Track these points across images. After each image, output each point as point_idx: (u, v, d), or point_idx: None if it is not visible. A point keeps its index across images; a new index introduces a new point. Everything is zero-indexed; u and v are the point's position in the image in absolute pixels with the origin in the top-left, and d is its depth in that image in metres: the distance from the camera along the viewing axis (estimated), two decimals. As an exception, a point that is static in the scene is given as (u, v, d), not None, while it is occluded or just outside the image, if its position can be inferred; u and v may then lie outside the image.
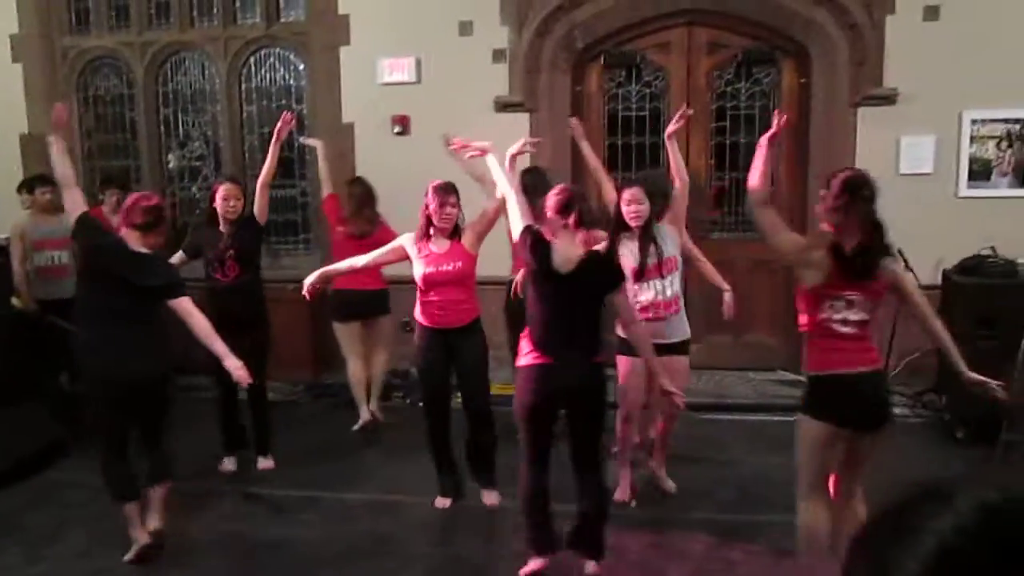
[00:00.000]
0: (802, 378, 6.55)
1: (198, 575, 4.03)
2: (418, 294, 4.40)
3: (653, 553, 4.08)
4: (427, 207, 4.33)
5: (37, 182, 6.17)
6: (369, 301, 5.72)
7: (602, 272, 3.60)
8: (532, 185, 5.54)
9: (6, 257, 6.13)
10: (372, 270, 4.96)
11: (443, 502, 4.62)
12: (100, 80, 7.67)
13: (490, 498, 4.58)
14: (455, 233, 4.38)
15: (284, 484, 4.99)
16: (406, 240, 4.41)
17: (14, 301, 5.94)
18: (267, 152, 5.23)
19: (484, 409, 4.50)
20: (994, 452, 5.01)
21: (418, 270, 4.31)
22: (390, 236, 5.42)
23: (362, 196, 5.78)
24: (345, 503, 4.73)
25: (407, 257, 4.38)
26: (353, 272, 4.66)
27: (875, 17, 6.28)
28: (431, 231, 4.33)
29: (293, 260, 7.38)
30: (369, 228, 5.63)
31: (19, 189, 6.33)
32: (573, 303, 3.51)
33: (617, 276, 3.67)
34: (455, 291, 4.32)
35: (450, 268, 4.29)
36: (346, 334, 5.84)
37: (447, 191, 4.34)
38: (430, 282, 4.30)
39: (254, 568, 4.08)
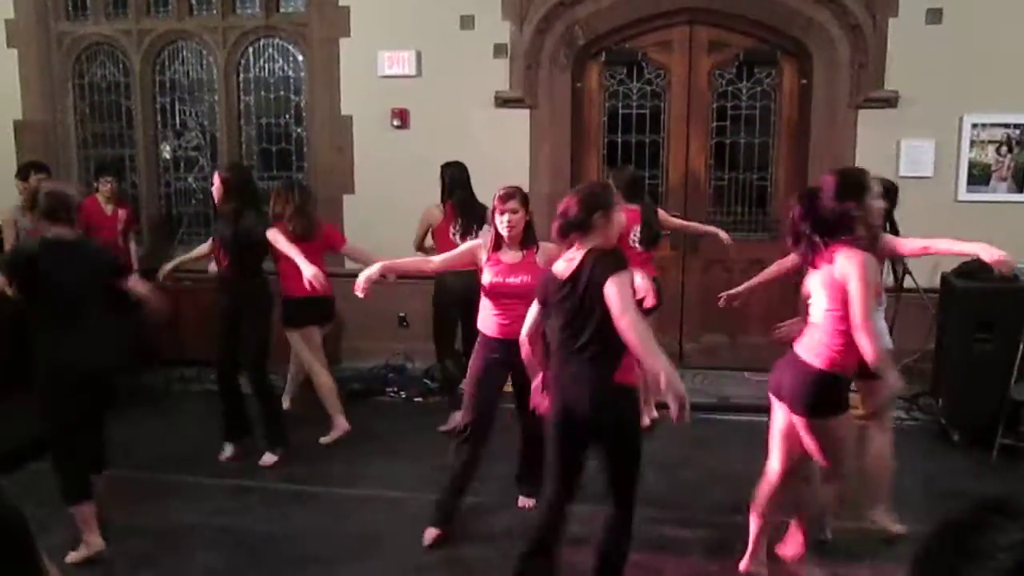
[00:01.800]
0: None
1: (191, 567, 3.99)
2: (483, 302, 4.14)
3: (649, 554, 4.05)
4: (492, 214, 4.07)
5: (32, 169, 6.12)
6: (329, 307, 5.55)
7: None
8: (452, 179, 5.61)
9: (-1, 244, 6.08)
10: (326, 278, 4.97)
11: (433, 533, 4.22)
12: (96, 67, 7.60)
13: (529, 503, 4.45)
14: (530, 242, 4.09)
15: (278, 479, 4.95)
16: (479, 244, 4.18)
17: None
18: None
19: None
20: (990, 456, 5.02)
21: (485, 278, 4.07)
22: (333, 237, 5.54)
23: (304, 198, 5.47)
24: (338, 499, 4.70)
25: (477, 262, 4.13)
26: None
27: (877, 19, 6.28)
28: (501, 240, 4.05)
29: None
30: (311, 228, 5.34)
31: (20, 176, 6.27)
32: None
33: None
34: (521, 305, 3.81)
35: (517, 281, 3.99)
36: (308, 340, 5.53)
37: (506, 197, 4.01)
38: (494, 293, 4.04)
39: (247, 562, 4.04)
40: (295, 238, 5.05)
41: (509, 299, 3.99)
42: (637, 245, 5.35)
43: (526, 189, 6.66)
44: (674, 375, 2.98)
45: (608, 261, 3.11)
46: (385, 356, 6.75)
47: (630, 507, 3.41)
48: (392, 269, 4.03)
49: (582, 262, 3.17)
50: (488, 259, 4.06)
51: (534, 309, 3.50)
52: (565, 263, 3.25)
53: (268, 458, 5.15)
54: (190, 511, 4.52)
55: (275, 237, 4.89)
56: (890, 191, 4.11)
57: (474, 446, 4.14)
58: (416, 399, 6.34)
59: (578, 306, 3.15)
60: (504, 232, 3.99)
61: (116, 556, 4.02)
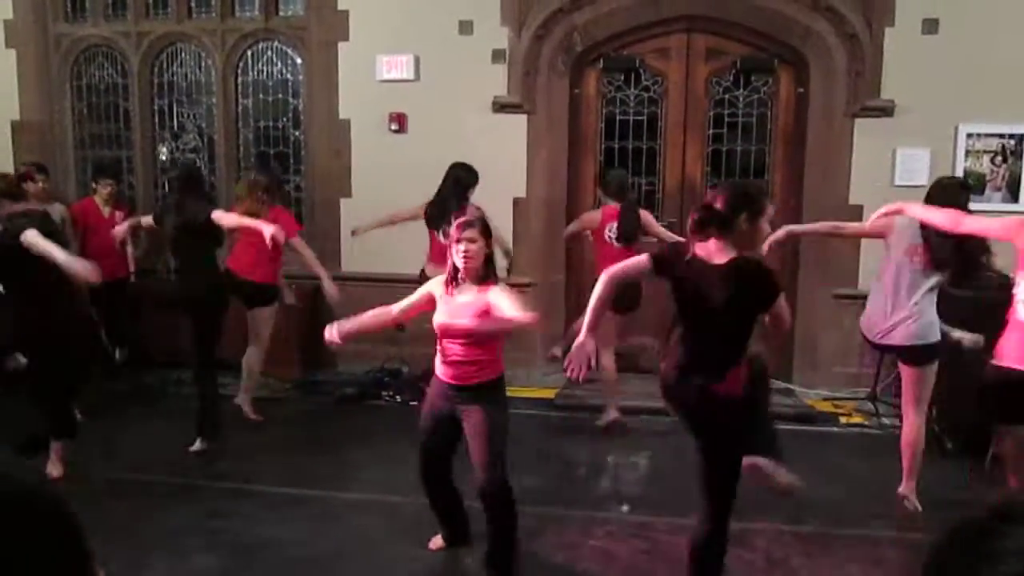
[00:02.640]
0: (792, 387, 6.58)
1: (186, 570, 3.99)
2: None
3: (643, 559, 4.07)
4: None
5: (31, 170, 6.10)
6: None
7: None
8: (445, 178, 5.81)
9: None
10: (269, 268, 5.54)
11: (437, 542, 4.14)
12: (94, 69, 7.61)
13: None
14: (488, 277, 3.67)
15: (273, 482, 4.95)
16: (434, 283, 3.79)
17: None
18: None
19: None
20: (984, 464, 5.04)
21: (436, 316, 3.72)
22: (286, 221, 5.64)
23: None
24: (333, 502, 4.70)
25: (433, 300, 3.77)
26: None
27: (874, 28, 6.31)
28: (457, 272, 3.67)
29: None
30: (260, 209, 5.59)
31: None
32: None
33: None
34: (466, 349, 3.64)
35: (466, 323, 3.59)
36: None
37: (464, 226, 3.65)
38: (442, 332, 3.69)
39: (242, 565, 4.04)
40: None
41: (455, 340, 3.64)
42: (613, 241, 5.56)
43: (522, 194, 6.78)
44: None
45: (759, 283, 3.08)
46: (381, 360, 6.75)
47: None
48: (359, 330, 3.82)
49: (732, 267, 3.05)
50: (444, 294, 3.69)
51: (642, 262, 3.29)
52: (703, 252, 3.10)
53: (197, 445, 5.27)
54: (186, 513, 4.51)
55: (220, 216, 5.13)
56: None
57: (432, 487, 3.92)
58: (411, 403, 6.32)
59: (721, 309, 3.05)
60: (459, 263, 3.60)
61: (112, 557, 4.02)
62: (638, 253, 5.22)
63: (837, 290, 6.52)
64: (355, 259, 6.90)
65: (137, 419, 5.78)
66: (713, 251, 3.08)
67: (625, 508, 4.61)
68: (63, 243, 4.57)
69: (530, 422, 5.79)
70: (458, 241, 3.59)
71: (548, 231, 6.79)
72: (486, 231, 3.69)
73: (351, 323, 3.80)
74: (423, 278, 5.43)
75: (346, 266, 6.94)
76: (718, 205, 3.09)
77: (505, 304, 3.49)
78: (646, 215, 5.79)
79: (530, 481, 5.09)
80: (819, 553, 4.06)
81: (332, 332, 3.74)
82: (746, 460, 3.31)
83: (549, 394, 6.46)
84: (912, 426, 4.46)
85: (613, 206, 5.62)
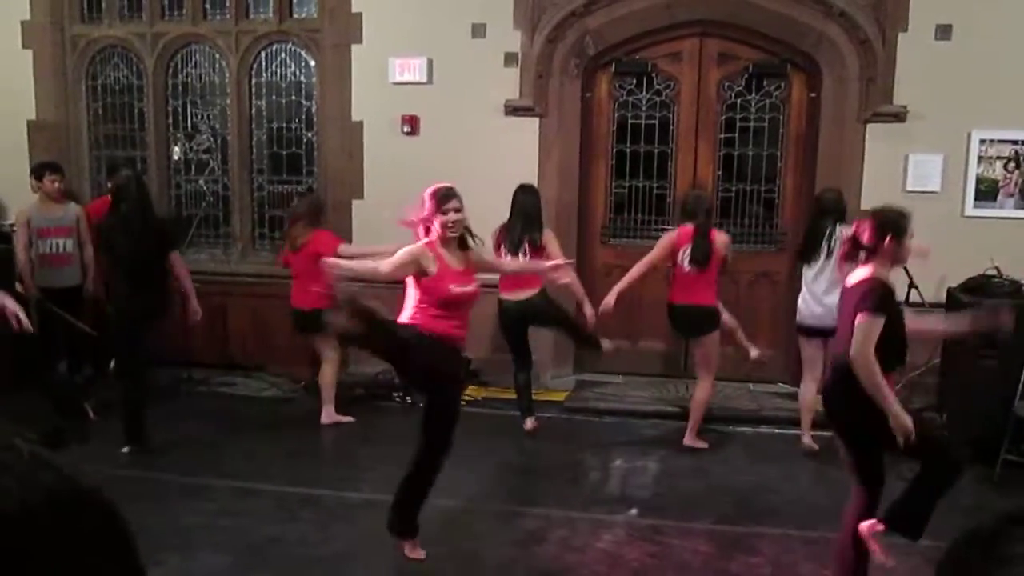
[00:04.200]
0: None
1: (196, 567, 4.02)
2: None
3: (652, 563, 4.08)
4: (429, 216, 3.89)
5: (46, 169, 6.16)
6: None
7: None
8: (514, 199, 5.73)
9: (10, 244, 6.13)
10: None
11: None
12: (110, 69, 7.65)
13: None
14: (465, 245, 3.97)
15: (283, 481, 4.98)
16: (418, 251, 3.88)
17: (18, 288, 5.93)
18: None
19: None
20: (994, 471, 5.03)
21: (444, 287, 3.85)
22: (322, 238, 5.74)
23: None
24: (343, 501, 4.73)
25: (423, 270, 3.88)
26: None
27: (887, 34, 6.30)
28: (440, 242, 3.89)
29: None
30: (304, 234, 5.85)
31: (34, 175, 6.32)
32: None
33: None
34: (465, 313, 3.97)
35: (470, 289, 3.91)
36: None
37: (449, 195, 3.87)
38: (451, 302, 3.86)
39: (252, 563, 4.07)
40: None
41: (460, 307, 3.90)
42: (686, 265, 5.41)
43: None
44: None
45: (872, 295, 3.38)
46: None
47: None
48: (350, 270, 4.08)
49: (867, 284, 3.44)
50: (438, 267, 3.83)
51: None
52: (856, 278, 3.50)
53: (124, 449, 5.29)
54: (196, 512, 4.54)
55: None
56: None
57: None
58: (422, 404, 6.35)
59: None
60: (450, 232, 3.84)
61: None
62: (711, 279, 5.32)
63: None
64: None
65: (148, 417, 5.82)
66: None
67: (634, 512, 4.62)
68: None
69: (540, 425, 5.80)
70: (445, 212, 3.80)
71: (559, 234, 6.78)
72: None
73: (344, 264, 4.12)
74: (501, 306, 5.63)
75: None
76: (866, 232, 3.48)
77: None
78: (721, 238, 5.51)
79: (539, 484, 5.12)
80: (827, 559, 4.05)
81: (328, 263, 4.04)
82: None
83: (559, 397, 6.47)
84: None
85: (688, 227, 5.40)
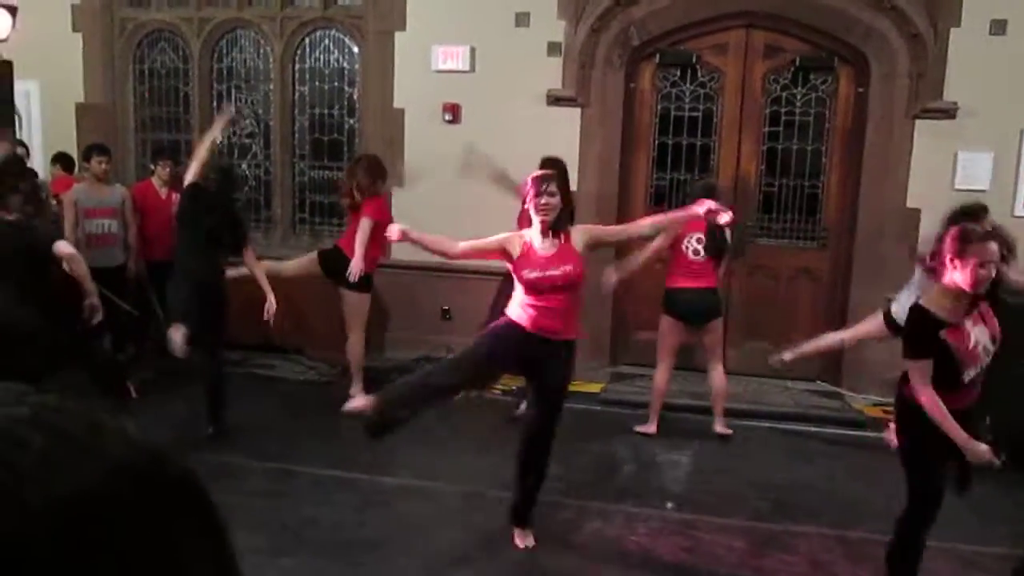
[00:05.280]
0: (841, 391, 6.49)
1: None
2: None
3: (686, 557, 4.05)
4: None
5: (94, 151, 6.26)
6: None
7: None
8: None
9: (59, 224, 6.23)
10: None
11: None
12: (157, 54, 7.76)
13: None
14: (562, 226, 3.87)
15: (319, 464, 5.02)
16: (509, 238, 3.92)
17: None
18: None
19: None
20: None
21: (524, 273, 3.84)
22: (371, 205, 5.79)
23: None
24: (377, 486, 4.76)
25: (509, 254, 3.90)
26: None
27: (939, 28, 6.17)
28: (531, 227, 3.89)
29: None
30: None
31: (83, 157, 6.44)
32: None
33: None
34: (559, 298, 3.82)
35: (557, 273, 3.78)
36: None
37: (545, 179, 3.85)
38: (535, 287, 3.81)
39: (286, 545, 4.11)
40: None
41: (550, 293, 3.79)
42: (691, 253, 5.41)
43: (574, 188, 6.74)
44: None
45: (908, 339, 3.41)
46: (427, 348, 6.80)
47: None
48: (419, 242, 4.08)
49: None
50: (522, 252, 3.85)
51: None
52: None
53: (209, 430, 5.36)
54: (233, 491, 4.59)
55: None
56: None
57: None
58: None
59: None
60: (540, 216, 3.79)
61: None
62: (717, 268, 5.24)
63: (889, 294, 6.39)
64: (404, 247, 6.92)
65: (185, 397, 5.89)
66: None
67: (670, 506, 4.59)
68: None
69: (575, 416, 5.79)
70: (538, 195, 3.77)
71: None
72: (565, 181, 4.07)
73: (416, 233, 4.06)
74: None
75: (396, 254, 6.99)
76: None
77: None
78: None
79: (574, 475, 5.10)
80: (865, 559, 4.00)
81: (394, 230, 4.07)
82: None
83: (596, 388, 6.46)
84: None
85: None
